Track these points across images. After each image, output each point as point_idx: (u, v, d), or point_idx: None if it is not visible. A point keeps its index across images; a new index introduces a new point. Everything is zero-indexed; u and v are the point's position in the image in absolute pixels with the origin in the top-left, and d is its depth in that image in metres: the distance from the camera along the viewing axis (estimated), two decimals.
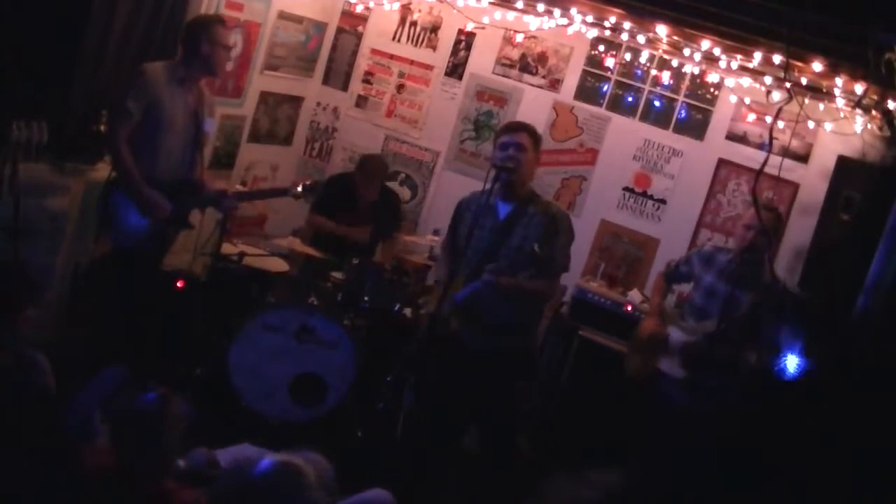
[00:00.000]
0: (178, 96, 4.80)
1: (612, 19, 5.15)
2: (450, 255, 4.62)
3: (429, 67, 6.94)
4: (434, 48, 6.92)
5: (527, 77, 6.71)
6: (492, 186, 4.30)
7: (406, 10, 6.91)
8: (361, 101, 7.12)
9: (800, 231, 5.83)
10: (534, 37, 6.57)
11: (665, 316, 4.89)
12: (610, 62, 6.43)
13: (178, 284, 5.38)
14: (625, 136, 6.50)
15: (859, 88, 4.51)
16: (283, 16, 6.49)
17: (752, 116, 6.12)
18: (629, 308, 5.90)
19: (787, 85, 4.68)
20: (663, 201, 6.45)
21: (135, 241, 4.77)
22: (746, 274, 4.61)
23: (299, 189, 5.16)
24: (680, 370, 4.66)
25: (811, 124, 5.70)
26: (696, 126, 6.37)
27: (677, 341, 4.70)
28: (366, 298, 5.31)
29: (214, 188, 5.11)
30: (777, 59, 4.62)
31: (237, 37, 6.12)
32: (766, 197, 5.82)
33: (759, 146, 6.12)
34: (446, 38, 6.89)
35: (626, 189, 6.51)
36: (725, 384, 4.61)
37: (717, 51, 5.14)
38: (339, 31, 7.11)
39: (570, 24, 5.61)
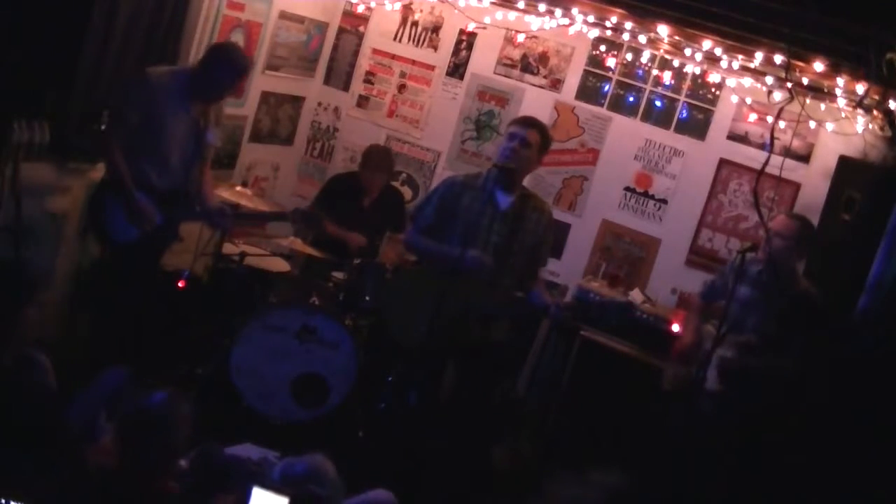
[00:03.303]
0: (180, 106, 4.73)
1: (614, 19, 5.15)
2: (439, 237, 4.65)
3: (430, 67, 6.94)
4: (435, 48, 6.92)
5: (528, 77, 6.71)
6: (492, 185, 4.37)
7: (407, 10, 6.91)
8: (363, 101, 7.11)
9: None
10: (535, 37, 6.56)
11: (701, 332, 4.92)
12: (611, 62, 6.42)
13: (180, 284, 5.38)
14: (626, 135, 6.50)
15: (861, 88, 4.51)
16: (284, 16, 6.49)
17: (753, 116, 6.12)
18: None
19: (789, 85, 4.68)
20: (664, 201, 6.45)
21: (123, 244, 4.74)
22: (778, 284, 4.61)
23: (298, 216, 5.12)
24: (714, 383, 4.65)
25: (812, 124, 5.71)
26: (697, 126, 6.36)
27: (713, 354, 4.69)
28: (367, 298, 5.31)
29: (212, 203, 5.01)
30: (778, 59, 4.62)
31: (239, 37, 6.13)
32: (767, 197, 5.83)
33: (761, 146, 6.11)
34: (447, 38, 6.88)
35: (627, 189, 6.51)
36: (757, 395, 4.60)
37: (718, 51, 5.14)
38: (341, 31, 7.11)
39: (571, 24, 5.61)
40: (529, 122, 4.67)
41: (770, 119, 5.88)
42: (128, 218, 4.68)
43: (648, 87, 6.43)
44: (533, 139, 4.55)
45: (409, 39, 6.98)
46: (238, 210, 5.18)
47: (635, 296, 6.08)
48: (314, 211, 5.30)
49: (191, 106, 4.77)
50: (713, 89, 6.27)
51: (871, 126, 5.23)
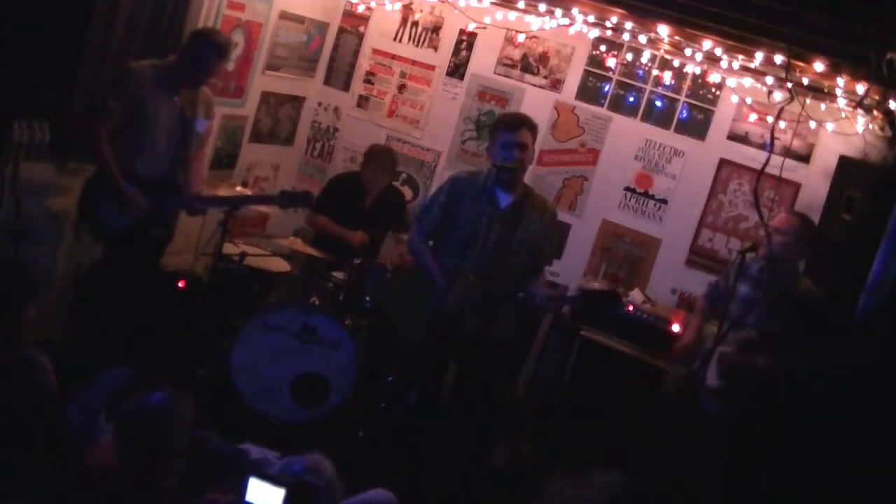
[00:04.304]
0: (163, 96, 4.81)
1: (614, 19, 5.15)
2: (441, 235, 4.67)
3: (430, 67, 6.94)
4: (435, 48, 6.92)
5: (528, 77, 6.71)
6: (493, 184, 4.38)
7: (407, 10, 6.91)
8: (363, 102, 7.12)
9: None
10: (535, 37, 6.57)
11: (702, 332, 4.92)
12: (611, 62, 6.43)
13: (180, 285, 5.38)
14: (626, 136, 6.50)
15: (861, 88, 4.51)
16: (284, 16, 6.49)
17: (753, 116, 6.12)
18: (630, 308, 5.89)
19: (789, 85, 4.69)
20: (665, 201, 6.45)
21: (114, 232, 4.78)
22: (779, 282, 4.60)
23: (286, 198, 5.03)
24: (714, 380, 4.64)
25: (813, 124, 5.71)
26: (697, 126, 6.37)
27: (714, 352, 4.68)
28: (367, 298, 5.32)
29: (195, 191, 5.03)
30: (779, 59, 4.62)
31: (239, 37, 6.13)
32: (767, 197, 5.83)
33: (761, 146, 6.12)
34: (448, 39, 6.89)
35: (627, 189, 6.51)
36: (757, 392, 4.59)
37: (718, 51, 5.14)
38: (341, 31, 7.11)
39: (571, 25, 5.62)
40: (517, 124, 4.59)
41: (770, 119, 5.88)
42: (116, 207, 4.74)
43: (648, 87, 6.43)
44: (527, 139, 4.56)
45: (409, 39, 6.98)
46: (225, 197, 5.21)
47: (635, 296, 6.08)
48: (302, 191, 5.22)
49: (176, 95, 4.85)
50: (713, 89, 6.27)
51: (871, 126, 5.23)
